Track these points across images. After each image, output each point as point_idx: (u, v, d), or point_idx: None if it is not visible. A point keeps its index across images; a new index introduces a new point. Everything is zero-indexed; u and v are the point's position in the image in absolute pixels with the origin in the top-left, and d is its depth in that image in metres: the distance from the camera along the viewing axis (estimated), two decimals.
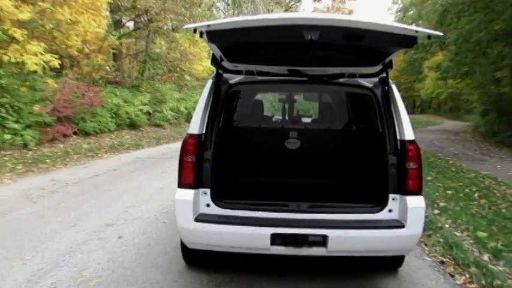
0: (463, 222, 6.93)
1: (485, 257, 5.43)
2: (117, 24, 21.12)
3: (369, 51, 4.04)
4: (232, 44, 3.86)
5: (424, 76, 44.61)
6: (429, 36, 3.41)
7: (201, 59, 25.97)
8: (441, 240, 5.89)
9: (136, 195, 8.19)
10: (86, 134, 15.53)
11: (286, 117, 6.94)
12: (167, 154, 13.93)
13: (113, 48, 19.82)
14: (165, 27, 23.54)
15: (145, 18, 22.12)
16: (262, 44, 3.92)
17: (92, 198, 7.86)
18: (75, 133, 14.93)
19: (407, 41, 3.48)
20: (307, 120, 7.21)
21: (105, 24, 17.70)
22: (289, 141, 5.89)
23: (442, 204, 8.09)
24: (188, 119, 24.31)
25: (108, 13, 20.24)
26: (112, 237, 5.78)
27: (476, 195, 9.10)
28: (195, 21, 24.11)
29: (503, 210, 7.85)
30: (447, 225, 6.74)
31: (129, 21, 23.38)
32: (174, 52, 23.84)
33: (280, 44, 3.86)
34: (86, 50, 16.94)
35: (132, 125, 19.24)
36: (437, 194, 8.93)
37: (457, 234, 6.38)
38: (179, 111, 24.23)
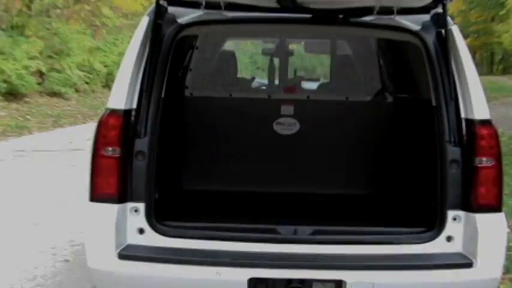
0: None
1: None
2: None
3: None
4: None
5: (510, 11, 45.57)
6: None
7: None
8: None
9: (20, 214, 7.98)
10: None
11: (276, 81, 6.96)
12: (73, 144, 13.69)
13: None
14: None
15: None
16: None
17: None
18: None
19: None
20: (312, 85, 7.20)
21: None
22: (280, 121, 5.84)
23: None
24: (108, 83, 24.53)
25: None
26: None
27: None
28: None
29: None
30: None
31: None
32: None
33: None
34: None
35: (12, 94, 19.17)
36: None
37: None
38: (93, 71, 24.33)
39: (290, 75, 7.24)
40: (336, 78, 6.75)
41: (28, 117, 17.57)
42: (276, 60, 7.07)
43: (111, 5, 26.49)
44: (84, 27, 25.66)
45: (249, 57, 14.51)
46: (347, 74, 6.47)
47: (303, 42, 8.27)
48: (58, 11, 24.85)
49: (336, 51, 6.90)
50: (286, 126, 5.87)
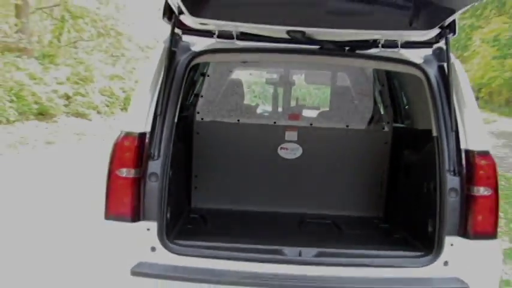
0: None
1: None
2: None
3: (425, 3, 3.63)
4: None
5: (473, 53, 44.87)
6: None
7: (146, 18, 25.51)
8: None
9: (48, 224, 7.74)
10: None
11: (279, 109, 6.61)
12: (92, 160, 13.05)
13: None
14: None
15: None
16: None
17: None
18: None
19: None
20: (312, 113, 6.64)
21: None
22: (284, 146, 5.64)
23: (507, 245, 7.87)
24: (126, 106, 23.93)
25: None
26: None
27: None
28: None
29: None
30: (503, 273, 6.32)
31: None
32: (107, 6, 23.56)
33: None
34: None
35: (42, 114, 18.98)
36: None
37: None
38: (113, 95, 24.05)
39: (292, 103, 6.88)
40: (335, 107, 6.21)
41: (56, 134, 17.32)
42: (280, 89, 6.71)
43: (131, 39, 26.23)
44: (106, 58, 25.50)
45: (253, 86, 14.20)
46: (346, 103, 6.06)
47: (303, 74, 7.55)
48: (84, 42, 24.89)
49: (336, 82, 6.51)
50: (290, 150, 5.61)
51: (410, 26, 3.77)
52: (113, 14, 23.86)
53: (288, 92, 6.69)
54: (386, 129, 5.73)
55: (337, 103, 6.19)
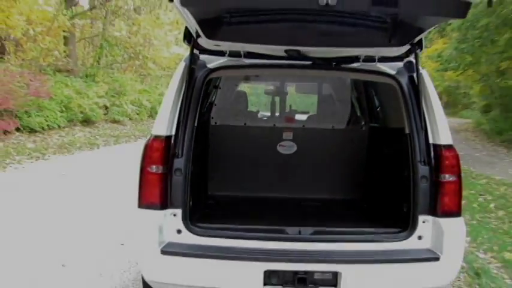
0: (484, 240, 6.64)
1: None
2: (69, 2, 20.47)
3: (398, 25, 3.43)
4: (213, 11, 3.28)
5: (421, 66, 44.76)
6: (489, 2, 3.06)
7: (167, 45, 25.59)
8: (464, 264, 5.46)
9: (90, 207, 7.65)
10: (31, 131, 14.95)
11: (276, 114, 6.55)
12: (126, 155, 13.23)
13: (64, 31, 19.24)
14: (125, 7, 23.33)
15: None
16: (253, 13, 3.34)
17: (32, 214, 7.21)
18: (18, 129, 14.39)
19: (460, 7, 2.98)
20: (303, 117, 6.63)
21: (53, 1, 17.19)
22: (282, 144, 5.55)
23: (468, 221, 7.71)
24: (152, 114, 24.22)
25: None
26: (54, 265, 5.19)
27: (492, 205, 8.86)
28: (160, 1, 24.19)
29: None
30: (466, 244, 6.26)
31: None
32: (136, 36, 23.56)
33: (280, 13, 3.28)
34: (32, 32, 16.37)
35: (86, 121, 18.84)
36: None
37: (481, 256, 6.05)
38: (141, 105, 23.95)
39: (287, 109, 6.76)
40: (322, 112, 6.25)
41: (97, 137, 17.27)
42: (277, 98, 6.63)
43: (155, 61, 25.96)
44: (135, 76, 25.35)
45: (254, 96, 14.02)
46: (330, 108, 6.04)
47: (295, 85, 7.49)
48: (118, 64, 24.68)
49: (322, 91, 6.48)
50: (287, 147, 5.55)
51: (386, 44, 3.65)
52: (140, 42, 23.63)
53: (283, 100, 6.62)
54: (364, 128, 5.72)
55: (323, 108, 6.24)
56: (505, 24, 16.84)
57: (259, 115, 6.71)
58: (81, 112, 18.27)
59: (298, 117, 6.50)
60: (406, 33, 3.51)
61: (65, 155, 13.41)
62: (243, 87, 7.10)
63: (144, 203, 3.54)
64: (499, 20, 16.72)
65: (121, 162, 12.31)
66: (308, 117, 6.42)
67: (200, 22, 3.31)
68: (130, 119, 22.60)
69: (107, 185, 9.38)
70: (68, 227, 6.58)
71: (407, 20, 3.37)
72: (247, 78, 6.34)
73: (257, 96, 11.65)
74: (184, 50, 26.60)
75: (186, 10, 3.05)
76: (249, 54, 3.97)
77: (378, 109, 5.49)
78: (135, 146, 15.35)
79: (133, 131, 20.48)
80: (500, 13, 16.28)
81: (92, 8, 22.89)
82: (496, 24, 16.81)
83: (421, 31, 3.50)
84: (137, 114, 23.41)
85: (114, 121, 21.25)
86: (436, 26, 3.59)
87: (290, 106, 6.94)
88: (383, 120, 5.18)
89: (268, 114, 6.72)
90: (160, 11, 26.70)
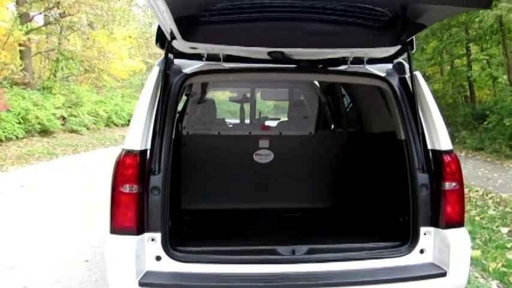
0: None
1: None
2: (24, 18, 20.32)
3: (393, 22, 3.09)
4: (194, 4, 2.80)
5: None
6: None
7: (121, 58, 25.69)
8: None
9: (52, 219, 7.24)
10: None
11: (246, 121, 6.10)
12: (86, 164, 13.54)
13: (20, 45, 19.13)
14: (80, 23, 23.10)
15: (57, 12, 21.42)
16: (234, 11, 2.96)
17: None
18: None
19: None
20: (273, 123, 6.05)
21: (8, 17, 17.07)
22: (258, 152, 5.18)
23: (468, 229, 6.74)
24: (108, 123, 24.62)
25: (13, 4, 19.60)
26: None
27: None
28: (114, 17, 24.29)
29: (477, 217, 7.39)
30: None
31: (38, 14, 22.41)
32: (91, 50, 23.42)
33: (261, 10, 2.93)
34: None
35: (44, 131, 18.75)
36: None
37: None
38: (98, 115, 23.98)
39: (256, 115, 6.44)
40: (293, 118, 5.67)
41: (56, 147, 17.10)
42: (246, 105, 6.26)
43: (109, 73, 25.91)
44: (92, 88, 25.43)
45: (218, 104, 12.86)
46: (301, 114, 5.59)
47: (260, 91, 6.66)
48: (74, 77, 24.66)
49: (293, 97, 5.98)
50: (264, 156, 5.16)
51: (377, 44, 3.36)
52: (95, 55, 23.64)
53: (254, 107, 6.32)
54: (342, 134, 5.34)
55: (294, 114, 5.70)
56: (433, 34, 18.01)
57: (233, 122, 6.26)
58: (39, 123, 18.19)
59: (269, 123, 6.04)
60: (397, 32, 3.22)
61: (24, 165, 13.12)
62: (211, 95, 6.50)
63: (117, 228, 3.00)
64: (427, 30, 17.88)
65: (80, 171, 12.26)
66: (278, 124, 5.93)
67: (177, 20, 2.81)
68: (87, 128, 22.57)
69: (67, 195, 9.05)
70: (27, 241, 6.09)
71: (407, 16, 3.00)
72: (230, 83, 5.89)
73: (222, 104, 11.08)
74: (137, 63, 26.78)
75: (164, 5, 2.53)
76: (229, 58, 3.49)
77: (358, 113, 5.04)
78: (94, 154, 15.51)
79: (91, 140, 20.35)
80: None
81: (47, 23, 22.77)
82: (426, 34, 17.95)
83: (418, 29, 3.21)
84: (94, 124, 23.41)
85: (72, 131, 21.17)
86: (430, 25, 3.23)
87: (260, 113, 6.56)
88: (365, 124, 4.77)
89: (237, 121, 6.31)
90: (113, 26, 26.73)
